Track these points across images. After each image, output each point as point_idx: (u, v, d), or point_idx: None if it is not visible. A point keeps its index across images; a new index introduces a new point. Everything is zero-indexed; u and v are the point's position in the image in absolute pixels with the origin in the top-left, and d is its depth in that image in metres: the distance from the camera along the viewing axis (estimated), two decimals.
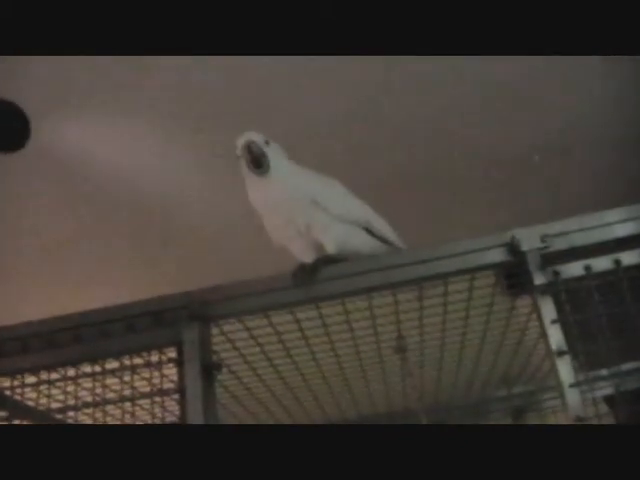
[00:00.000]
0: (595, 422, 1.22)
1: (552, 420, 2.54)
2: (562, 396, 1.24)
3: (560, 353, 1.25)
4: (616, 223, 1.33)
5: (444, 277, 1.40)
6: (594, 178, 2.55)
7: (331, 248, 1.48)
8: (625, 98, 2.33)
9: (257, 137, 1.47)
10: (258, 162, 1.45)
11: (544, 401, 2.57)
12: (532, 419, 2.56)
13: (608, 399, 2.25)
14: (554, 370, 1.25)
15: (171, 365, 1.36)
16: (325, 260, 1.44)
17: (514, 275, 1.42)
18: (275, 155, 1.50)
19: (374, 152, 2.39)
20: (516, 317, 1.79)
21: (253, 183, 1.49)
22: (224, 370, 1.45)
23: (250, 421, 2.15)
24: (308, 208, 1.49)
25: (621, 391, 2.10)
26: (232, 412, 2.04)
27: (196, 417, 1.26)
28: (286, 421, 2.27)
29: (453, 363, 2.02)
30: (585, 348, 2.07)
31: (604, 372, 2.11)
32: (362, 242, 1.53)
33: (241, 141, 1.47)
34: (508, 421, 2.51)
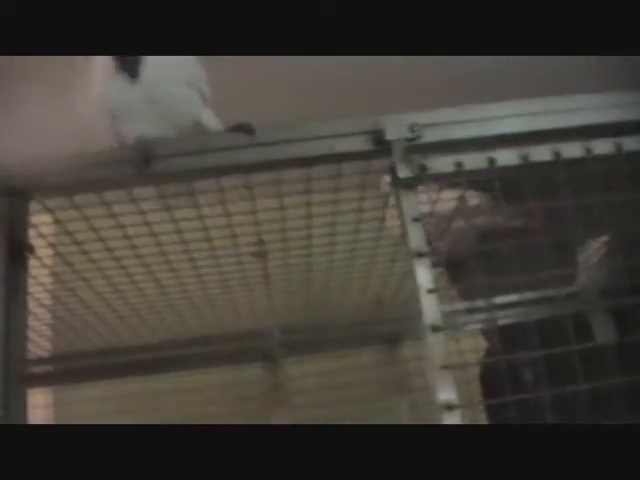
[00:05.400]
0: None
1: None
2: (418, 303, 1.11)
3: (420, 254, 1.11)
4: (495, 119, 1.21)
5: (304, 163, 1.21)
6: None
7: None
8: None
9: None
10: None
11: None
12: (407, 348, 2.44)
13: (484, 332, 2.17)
14: (412, 274, 1.12)
15: None
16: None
17: None
18: None
19: None
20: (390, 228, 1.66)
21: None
22: None
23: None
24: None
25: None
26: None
27: None
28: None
29: (321, 278, 1.89)
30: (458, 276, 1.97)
31: (480, 303, 2.03)
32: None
33: None
34: (382, 349, 2.38)
